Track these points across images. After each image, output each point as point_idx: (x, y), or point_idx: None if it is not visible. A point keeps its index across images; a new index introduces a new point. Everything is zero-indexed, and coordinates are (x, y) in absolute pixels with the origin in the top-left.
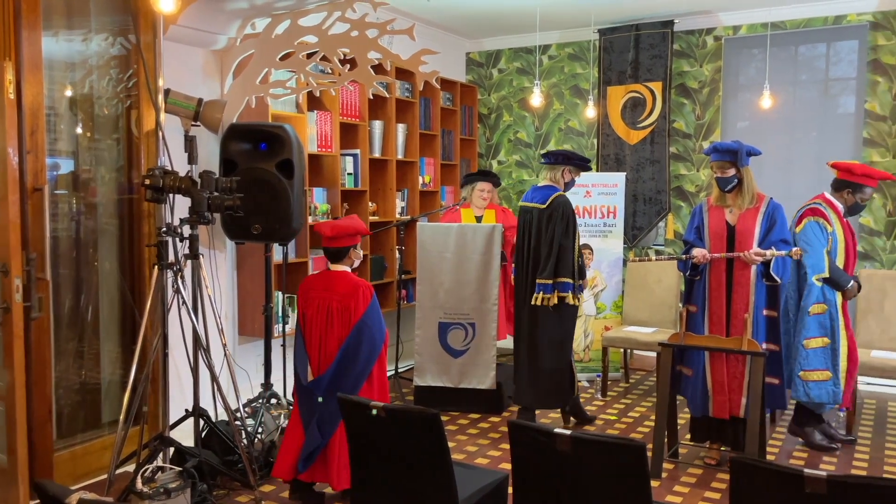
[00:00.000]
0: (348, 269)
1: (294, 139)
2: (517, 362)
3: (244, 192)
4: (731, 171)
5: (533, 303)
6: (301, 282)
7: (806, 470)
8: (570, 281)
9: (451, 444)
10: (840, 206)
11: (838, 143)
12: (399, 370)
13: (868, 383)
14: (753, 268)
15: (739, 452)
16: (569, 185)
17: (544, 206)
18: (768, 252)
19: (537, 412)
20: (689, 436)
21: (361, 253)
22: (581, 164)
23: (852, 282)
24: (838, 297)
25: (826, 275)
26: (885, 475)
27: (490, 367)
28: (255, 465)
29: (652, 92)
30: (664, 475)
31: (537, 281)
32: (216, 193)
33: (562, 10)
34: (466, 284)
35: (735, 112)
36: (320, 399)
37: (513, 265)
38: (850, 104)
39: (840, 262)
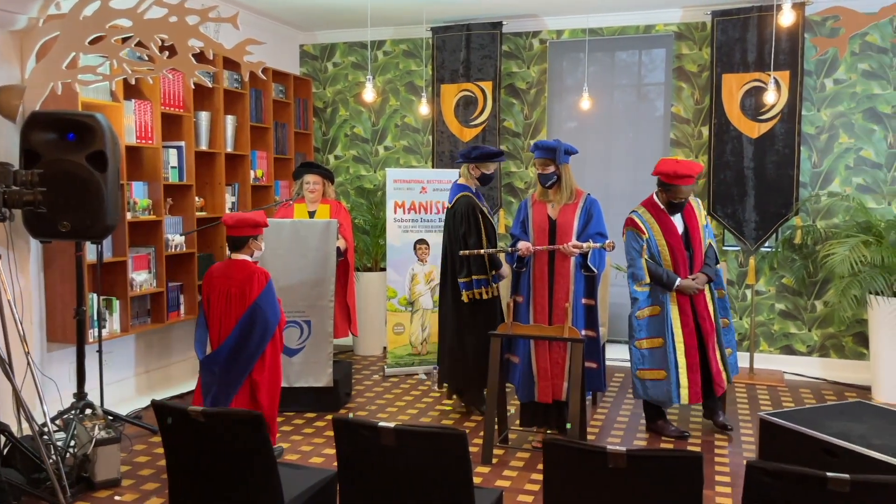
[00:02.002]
0: (248, 258)
1: (107, 129)
2: (454, 356)
3: (49, 186)
4: (551, 168)
5: (464, 300)
6: (109, 279)
7: (608, 447)
8: (484, 277)
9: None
10: (662, 205)
11: (650, 143)
12: None
13: None
14: (573, 259)
15: (564, 434)
16: (482, 179)
17: (451, 207)
18: (585, 245)
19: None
20: (518, 421)
21: (263, 245)
22: (470, 159)
23: (679, 280)
24: (670, 297)
25: (647, 281)
26: (689, 448)
27: (327, 365)
28: (65, 481)
29: (483, 91)
30: (495, 461)
31: (459, 280)
32: (14, 187)
33: (393, 6)
34: (301, 281)
35: (560, 113)
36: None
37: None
38: (661, 107)
39: (668, 262)
